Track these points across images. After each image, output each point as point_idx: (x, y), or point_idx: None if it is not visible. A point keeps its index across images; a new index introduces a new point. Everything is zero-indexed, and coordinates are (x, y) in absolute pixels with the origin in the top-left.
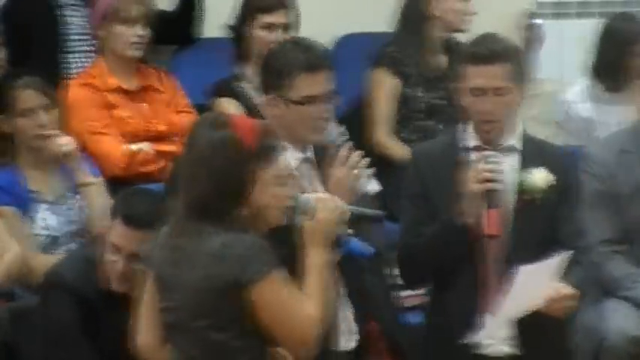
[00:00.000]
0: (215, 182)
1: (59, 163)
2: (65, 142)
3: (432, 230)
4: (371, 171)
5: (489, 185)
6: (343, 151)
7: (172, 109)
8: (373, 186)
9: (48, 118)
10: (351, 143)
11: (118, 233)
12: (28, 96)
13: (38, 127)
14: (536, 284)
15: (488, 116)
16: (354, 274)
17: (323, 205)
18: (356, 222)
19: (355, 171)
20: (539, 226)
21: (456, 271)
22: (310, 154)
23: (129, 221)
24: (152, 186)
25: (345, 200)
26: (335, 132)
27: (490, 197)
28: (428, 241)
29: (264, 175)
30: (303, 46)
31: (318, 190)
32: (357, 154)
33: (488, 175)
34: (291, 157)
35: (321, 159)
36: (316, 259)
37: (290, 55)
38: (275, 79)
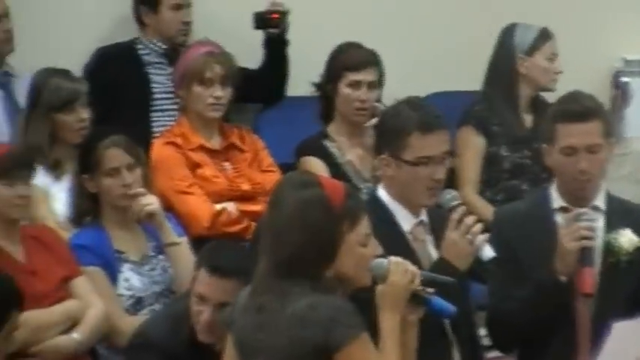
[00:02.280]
0: (304, 241)
1: (143, 222)
2: (149, 202)
3: (526, 292)
4: (486, 236)
5: (585, 243)
6: (456, 215)
7: (256, 168)
8: (488, 252)
9: (132, 177)
10: (464, 207)
11: (203, 283)
12: (113, 155)
13: (123, 186)
14: (631, 342)
15: (582, 175)
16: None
17: (396, 268)
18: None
19: (469, 235)
20: (625, 288)
21: (549, 332)
22: (424, 217)
23: (214, 270)
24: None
25: (460, 265)
26: (449, 195)
27: (585, 255)
28: (522, 303)
29: (350, 236)
30: (417, 105)
31: (431, 255)
32: (471, 218)
33: (585, 232)
34: (404, 220)
35: (436, 223)
36: (389, 323)
37: (404, 115)
38: (389, 139)
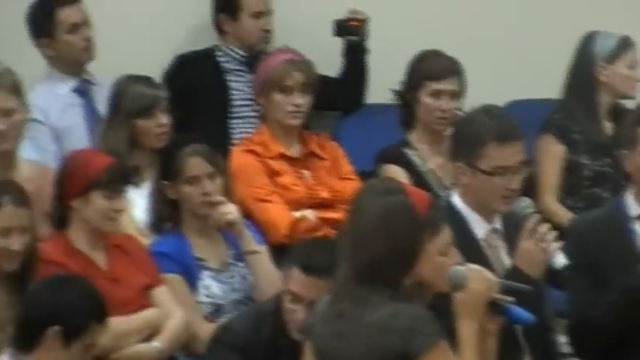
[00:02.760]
0: (385, 248)
1: (223, 230)
2: (229, 210)
3: (611, 297)
4: (559, 244)
5: None
6: (530, 223)
7: (335, 175)
8: (561, 260)
9: (213, 186)
10: (539, 215)
11: (297, 282)
12: (194, 163)
13: (203, 194)
14: None
15: None
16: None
17: (474, 276)
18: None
19: (543, 244)
20: None
21: (636, 339)
22: (498, 225)
23: (308, 270)
24: None
25: (533, 273)
26: (523, 202)
27: None
28: (607, 309)
29: (431, 244)
30: (493, 114)
31: (505, 263)
32: (545, 226)
33: None
34: (478, 227)
35: (509, 230)
36: (467, 331)
37: (481, 124)
38: (465, 148)
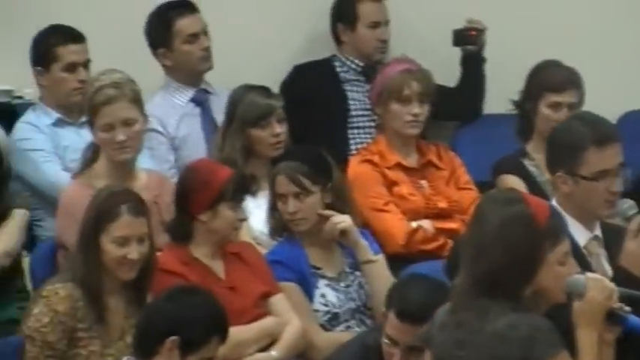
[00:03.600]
0: (507, 258)
1: (338, 241)
2: (341, 220)
3: None
4: None
5: None
6: (634, 224)
7: (453, 185)
8: None
9: (298, 206)
10: None
11: (393, 326)
12: (279, 182)
13: (288, 214)
14: None
15: None
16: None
17: (594, 285)
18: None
19: None
20: None
21: None
22: (598, 232)
23: (403, 316)
24: (432, 264)
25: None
26: (625, 204)
27: None
28: None
29: (551, 254)
30: (590, 120)
31: (606, 270)
32: None
33: None
34: (580, 236)
35: (609, 237)
36: (586, 340)
37: (577, 131)
38: (564, 157)
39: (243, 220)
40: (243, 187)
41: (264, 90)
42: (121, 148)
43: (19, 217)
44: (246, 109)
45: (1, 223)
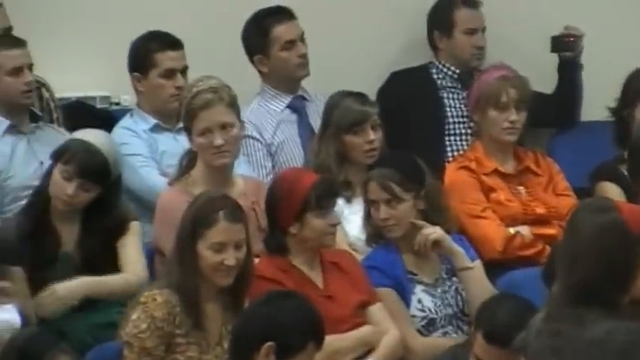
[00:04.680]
0: (601, 266)
1: (432, 252)
2: (432, 231)
3: None
4: None
5: None
6: None
7: (551, 192)
8: None
9: (390, 212)
10: None
11: (480, 347)
12: (371, 188)
13: (382, 220)
14: None
15: None
16: None
17: None
18: None
19: None
20: None
21: None
22: None
23: (491, 339)
24: (529, 271)
25: None
26: None
27: None
28: None
29: None
30: None
31: None
32: None
33: None
34: None
35: None
36: None
37: None
38: None
39: (335, 225)
40: (329, 193)
41: (360, 96)
42: (219, 152)
43: (137, 229)
44: (341, 115)
45: (120, 237)
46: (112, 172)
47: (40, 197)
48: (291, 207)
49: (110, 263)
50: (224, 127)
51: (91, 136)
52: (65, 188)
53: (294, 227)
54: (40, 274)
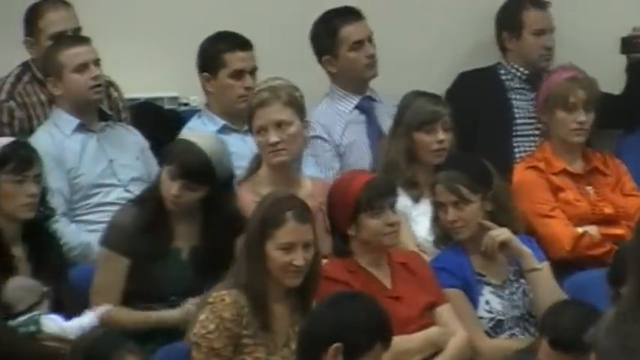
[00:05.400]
0: None
1: (500, 253)
2: (499, 233)
3: None
4: None
5: None
6: None
7: (618, 192)
8: None
9: (458, 214)
10: None
11: (545, 353)
12: (438, 190)
13: (450, 222)
14: None
15: None
16: None
17: None
18: None
19: None
20: None
21: None
22: None
23: (556, 346)
24: (596, 272)
25: None
26: None
27: None
28: None
29: None
30: None
31: None
32: None
33: None
34: None
35: None
36: None
37: None
38: None
39: (393, 224)
40: (381, 193)
41: (434, 97)
42: (274, 150)
43: None
44: (413, 113)
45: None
46: (216, 172)
47: (153, 195)
48: (345, 209)
49: (228, 261)
50: (279, 125)
51: (196, 136)
52: (170, 188)
53: (351, 229)
54: (149, 267)
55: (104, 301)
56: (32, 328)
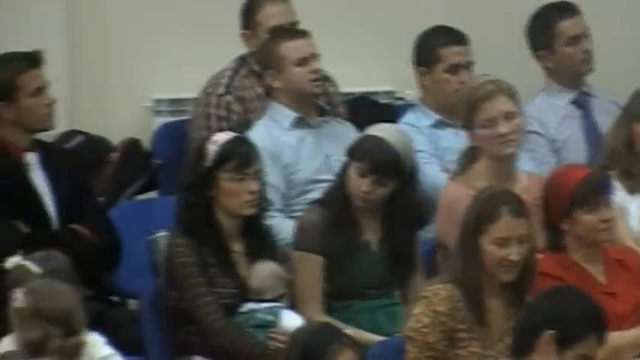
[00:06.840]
0: None
1: None
2: None
3: None
4: None
5: None
6: None
7: None
8: None
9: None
10: None
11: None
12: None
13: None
14: None
15: None
16: None
17: None
18: None
19: None
20: None
21: None
22: None
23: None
24: None
25: None
26: None
27: None
28: None
29: None
30: None
31: None
32: None
33: None
34: None
35: None
36: None
37: None
38: None
39: (607, 220)
40: (598, 189)
41: None
42: (505, 141)
43: None
44: (638, 103)
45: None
46: (405, 166)
47: (340, 193)
48: (560, 204)
49: (412, 250)
50: (507, 116)
51: (382, 131)
52: (361, 185)
53: (565, 224)
54: (344, 263)
55: (309, 302)
56: (270, 318)
